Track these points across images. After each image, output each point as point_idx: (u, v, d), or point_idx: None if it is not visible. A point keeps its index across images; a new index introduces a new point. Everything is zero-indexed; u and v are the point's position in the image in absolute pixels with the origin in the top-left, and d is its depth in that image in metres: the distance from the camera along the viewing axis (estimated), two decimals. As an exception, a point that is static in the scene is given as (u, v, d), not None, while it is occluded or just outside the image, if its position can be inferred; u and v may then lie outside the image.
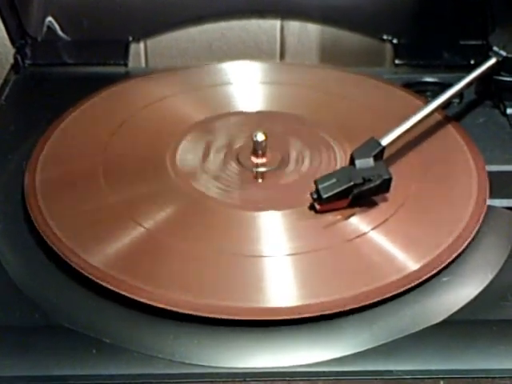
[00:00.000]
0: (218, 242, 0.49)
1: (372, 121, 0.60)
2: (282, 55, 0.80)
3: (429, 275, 0.47)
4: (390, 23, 0.77)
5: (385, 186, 0.51)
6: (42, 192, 0.53)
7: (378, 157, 0.52)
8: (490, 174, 0.56)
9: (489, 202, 0.53)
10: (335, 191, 0.50)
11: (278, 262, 0.48)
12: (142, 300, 0.45)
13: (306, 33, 0.79)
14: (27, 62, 0.73)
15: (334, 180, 0.50)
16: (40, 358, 0.44)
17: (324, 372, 0.43)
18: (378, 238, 0.49)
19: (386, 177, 0.51)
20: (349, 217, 0.51)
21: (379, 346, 0.44)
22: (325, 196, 0.50)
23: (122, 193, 0.53)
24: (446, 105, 0.61)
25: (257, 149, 0.56)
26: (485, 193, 0.53)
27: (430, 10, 0.76)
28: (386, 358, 0.44)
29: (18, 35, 0.74)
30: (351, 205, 0.51)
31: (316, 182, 0.50)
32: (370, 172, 0.51)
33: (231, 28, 0.78)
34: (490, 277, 0.49)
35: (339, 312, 0.45)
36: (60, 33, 0.76)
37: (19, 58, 0.73)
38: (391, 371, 0.43)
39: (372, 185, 0.50)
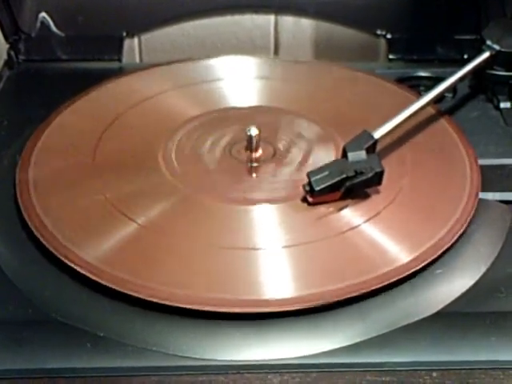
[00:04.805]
0: (212, 236, 0.49)
1: (365, 115, 0.61)
2: (276, 50, 0.80)
3: (421, 267, 0.47)
4: (384, 18, 0.77)
5: (377, 178, 0.51)
6: (35, 188, 0.53)
7: (370, 150, 0.52)
8: (483, 167, 0.56)
9: (481, 195, 0.53)
10: (327, 184, 0.50)
11: (272, 254, 0.48)
12: (135, 294, 0.45)
13: (299, 28, 0.79)
14: (21, 57, 0.73)
15: (326, 173, 0.51)
16: (34, 352, 0.44)
17: (317, 364, 0.43)
18: (371, 230, 0.50)
19: (378, 170, 0.51)
20: (342, 209, 0.51)
21: (372, 338, 0.44)
22: (317, 188, 0.50)
23: (115, 188, 0.53)
24: (439, 99, 0.61)
25: (250, 143, 0.56)
26: (477, 186, 0.53)
27: (423, 4, 0.76)
28: (379, 350, 0.44)
29: (11, 31, 0.74)
30: (344, 197, 0.51)
31: (308, 175, 0.51)
32: (363, 165, 0.51)
33: (225, 23, 0.78)
34: (482, 269, 0.49)
35: (332, 304, 0.45)
36: (54, 28, 0.76)
37: (13, 53, 0.73)
38: (384, 363, 0.43)
39: (364, 177, 0.50)
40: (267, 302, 0.45)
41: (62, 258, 0.47)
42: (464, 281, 0.48)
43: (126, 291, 0.45)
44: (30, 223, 0.50)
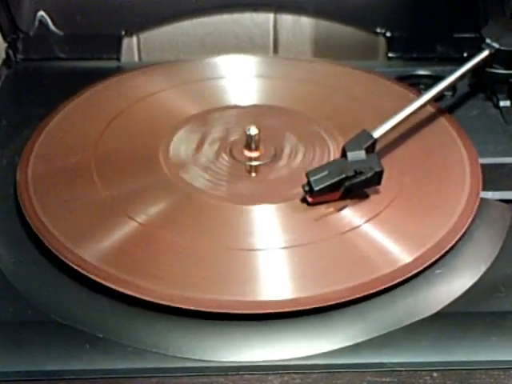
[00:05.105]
0: (211, 236, 0.49)
1: (365, 114, 0.60)
2: (276, 49, 0.80)
3: (422, 268, 0.47)
4: (384, 16, 0.77)
5: (376, 178, 0.51)
6: (35, 187, 0.53)
7: (369, 149, 0.52)
8: (483, 166, 0.56)
9: (482, 194, 0.53)
10: (327, 184, 0.50)
11: (271, 255, 0.48)
12: (135, 294, 0.45)
13: (299, 26, 0.78)
14: (19, 56, 0.73)
15: (325, 172, 0.50)
16: (34, 354, 0.44)
17: (317, 365, 0.43)
18: (371, 230, 0.49)
19: (378, 169, 0.51)
20: (341, 209, 0.51)
21: (373, 338, 0.44)
22: (316, 188, 0.50)
23: (115, 187, 0.53)
24: (439, 98, 0.61)
25: (250, 143, 0.56)
26: (478, 185, 0.53)
27: (423, 3, 0.76)
28: (379, 350, 0.44)
29: (9, 30, 0.73)
30: (343, 197, 0.51)
31: (308, 175, 0.50)
32: (362, 164, 0.50)
33: (224, 22, 0.78)
34: (482, 269, 0.49)
35: (332, 305, 0.45)
36: (52, 27, 0.75)
37: (11, 52, 0.73)
38: (384, 363, 0.43)
39: (364, 177, 0.50)
40: (267, 304, 0.45)
41: (62, 258, 0.47)
42: (464, 280, 0.48)
43: (125, 291, 0.45)
44: (29, 223, 0.50)
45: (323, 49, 0.79)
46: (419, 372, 0.43)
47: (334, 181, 0.50)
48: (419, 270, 0.47)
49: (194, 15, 0.77)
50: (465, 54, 0.72)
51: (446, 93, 0.64)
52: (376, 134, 0.53)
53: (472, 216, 0.51)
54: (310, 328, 0.44)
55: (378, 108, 0.61)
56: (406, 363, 0.43)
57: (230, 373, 0.43)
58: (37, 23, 0.75)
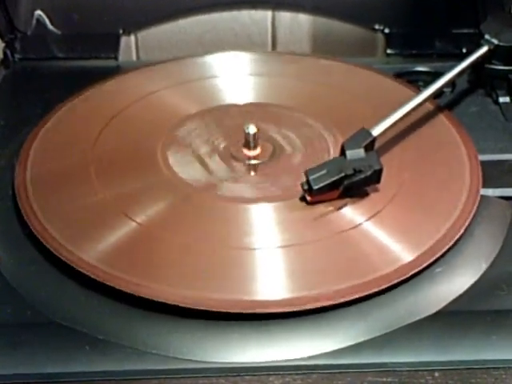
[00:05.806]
0: (210, 235, 0.49)
1: (363, 111, 0.60)
2: (274, 46, 0.79)
3: (423, 266, 0.47)
4: (382, 13, 0.76)
5: (376, 176, 0.51)
6: (33, 187, 0.53)
7: (368, 147, 0.52)
8: (483, 163, 0.55)
9: (482, 191, 0.53)
10: (326, 182, 0.50)
11: (271, 254, 0.48)
12: (135, 294, 0.45)
13: (297, 23, 0.78)
14: (17, 56, 0.73)
15: (324, 171, 0.50)
16: (33, 355, 0.43)
17: (319, 365, 0.43)
18: (371, 229, 0.49)
19: (377, 168, 0.50)
20: (341, 208, 0.51)
21: (373, 338, 0.44)
22: (315, 187, 0.50)
23: (114, 187, 0.53)
24: (438, 94, 0.61)
25: (248, 141, 0.56)
26: (478, 182, 0.53)
27: (421, -1, 0.76)
28: (380, 350, 0.43)
29: (7, 29, 0.73)
30: (342, 196, 0.51)
31: (306, 173, 0.50)
32: (361, 163, 0.50)
33: (222, 20, 0.78)
34: (484, 267, 0.49)
35: (333, 304, 0.44)
36: (50, 26, 0.75)
37: (9, 52, 0.73)
38: (386, 363, 0.43)
39: (363, 176, 0.50)
40: (267, 303, 0.45)
41: (62, 258, 0.47)
42: (465, 279, 0.48)
43: (125, 290, 0.45)
44: (28, 223, 0.50)
45: (321, 46, 0.79)
46: (420, 372, 0.43)
47: (333, 179, 0.50)
48: (420, 268, 0.47)
49: (192, 13, 0.77)
50: (464, 50, 0.72)
51: (445, 89, 0.64)
52: (375, 132, 0.53)
53: (472, 214, 0.50)
54: (311, 328, 0.44)
55: (376, 105, 0.60)
56: (408, 363, 0.43)
57: (230, 374, 0.43)
58: (34, 22, 0.75)
